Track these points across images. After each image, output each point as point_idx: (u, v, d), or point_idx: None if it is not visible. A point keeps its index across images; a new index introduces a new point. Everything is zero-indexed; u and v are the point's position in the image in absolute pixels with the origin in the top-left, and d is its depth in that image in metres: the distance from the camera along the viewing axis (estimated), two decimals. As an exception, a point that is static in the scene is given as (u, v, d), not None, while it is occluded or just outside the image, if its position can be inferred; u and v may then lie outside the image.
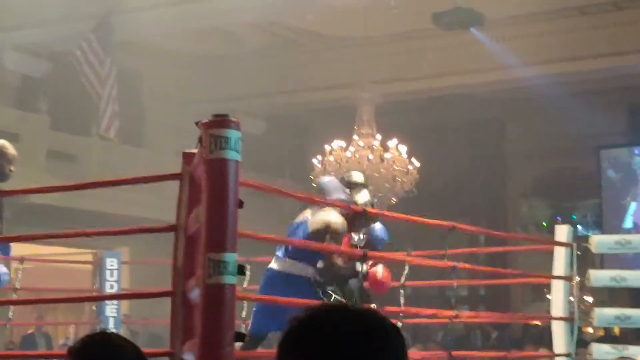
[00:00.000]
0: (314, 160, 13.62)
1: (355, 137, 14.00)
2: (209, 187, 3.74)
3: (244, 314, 7.75)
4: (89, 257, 12.80)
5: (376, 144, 13.64)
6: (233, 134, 3.78)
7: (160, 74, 15.92)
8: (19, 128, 13.17)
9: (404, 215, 6.21)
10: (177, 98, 16.33)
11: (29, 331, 12.29)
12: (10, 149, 6.20)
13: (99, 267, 9.96)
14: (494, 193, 18.20)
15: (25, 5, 13.28)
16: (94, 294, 9.73)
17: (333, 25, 14.73)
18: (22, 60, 14.51)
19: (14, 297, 8.09)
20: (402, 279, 6.41)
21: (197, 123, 3.90)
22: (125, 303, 11.77)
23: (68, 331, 13.00)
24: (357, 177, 6.53)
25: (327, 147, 13.56)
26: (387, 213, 6.31)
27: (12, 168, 6.07)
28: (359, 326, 1.23)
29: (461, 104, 16.45)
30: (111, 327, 9.39)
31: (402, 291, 6.48)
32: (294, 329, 1.24)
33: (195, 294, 3.81)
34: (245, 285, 7.61)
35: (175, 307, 4.07)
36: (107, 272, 9.64)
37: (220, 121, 3.80)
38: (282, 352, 1.25)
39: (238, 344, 3.78)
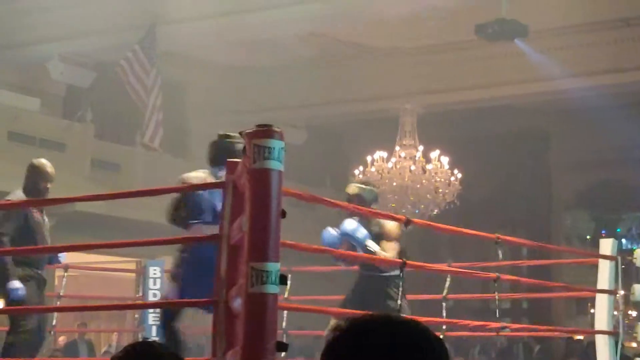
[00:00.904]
0: (356, 171, 13.63)
1: (397, 148, 13.99)
2: (252, 197, 3.76)
3: (284, 324, 7.78)
4: (133, 266, 12.92)
5: (418, 155, 13.61)
6: (277, 144, 3.80)
7: (204, 85, 16.04)
8: (65, 137, 13.35)
9: (449, 227, 6.17)
10: (220, 108, 16.43)
11: (72, 338, 12.42)
12: (48, 167, 6.53)
13: (142, 275, 10.03)
14: (536, 205, 18.06)
15: (72, 17, 13.47)
16: (137, 302, 9.80)
17: (377, 36, 14.74)
18: (68, 70, 14.72)
19: (58, 304, 8.18)
20: (444, 291, 6.38)
21: (241, 133, 3.93)
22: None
23: (110, 339, 13.11)
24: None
25: (368, 158, 13.56)
26: (431, 224, 6.26)
27: (49, 185, 6.43)
28: (401, 337, 1.23)
29: (504, 115, 16.36)
30: (153, 335, 9.44)
31: (444, 303, 6.45)
32: (336, 338, 1.25)
33: (237, 303, 3.83)
34: (286, 295, 7.63)
35: (218, 316, 4.10)
36: (150, 281, 9.70)
37: (264, 131, 3.82)
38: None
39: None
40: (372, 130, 15.90)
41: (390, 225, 6.27)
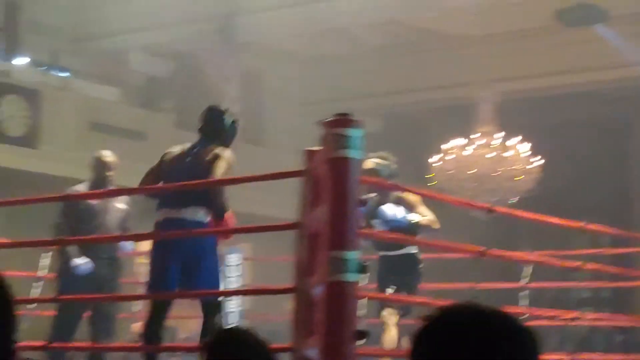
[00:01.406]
0: (432, 159, 13.56)
1: (474, 135, 13.87)
2: (332, 186, 3.79)
3: (364, 312, 7.81)
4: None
5: (496, 142, 13.48)
6: (355, 133, 3.82)
7: (280, 74, 16.13)
8: (145, 127, 13.57)
9: (531, 214, 6.10)
10: (296, 98, 16.51)
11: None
12: (108, 157, 6.87)
13: (222, 262, 10.16)
14: (617, 193, 17.71)
15: (151, 8, 13.68)
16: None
17: (452, 23, 14.62)
18: (147, 60, 14.96)
19: (138, 291, 8.35)
20: (524, 280, 6.33)
21: (320, 122, 3.96)
22: (246, 298, 11.96)
23: (191, 325, 13.30)
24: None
25: (445, 146, 13.48)
26: (512, 212, 6.21)
27: (109, 173, 6.77)
28: (491, 327, 1.24)
29: (584, 102, 16.07)
30: (233, 322, 9.58)
31: (523, 293, 6.40)
32: (425, 328, 1.26)
33: (317, 291, 3.87)
34: (365, 282, 7.66)
35: (297, 303, 4.14)
36: (229, 268, 9.84)
37: (343, 120, 3.84)
38: (414, 351, 1.27)
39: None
40: (449, 117, 15.79)
41: (410, 196, 6.40)
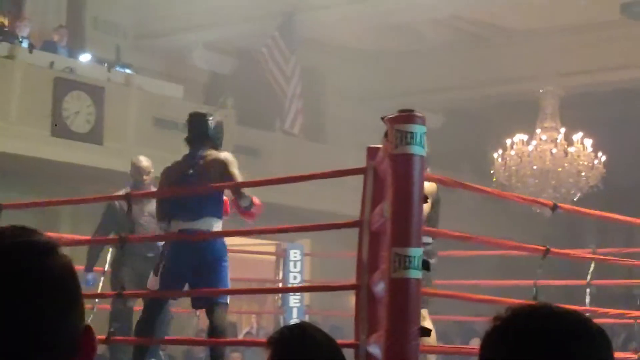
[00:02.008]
0: (495, 155, 13.44)
1: (537, 130, 13.70)
2: (395, 182, 3.77)
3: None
4: (272, 248, 13.13)
5: (560, 137, 13.30)
6: (418, 129, 3.79)
7: (342, 71, 16.12)
8: (207, 123, 13.65)
9: (597, 212, 6.00)
10: (358, 94, 16.48)
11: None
12: (143, 162, 7.36)
13: (282, 258, 10.20)
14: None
15: (214, 5, 13.78)
16: (278, 284, 9.98)
17: (516, 18, 14.46)
18: (210, 57, 15.07)
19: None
20: (588, 277, 6.24)
21: (382, 118, 3.94)
22: (307, 293, 12.00)
23: (252, 320, 13.38)
24: None
25: (508, 141, 13.34)
26: (578, 209, 6.12)
27: (145, 177, 7.25)
28: (562, 327, 1.22)
29: (649, 97, 15.78)
30: (294, 317, 9.61)
31: (587, 290, 6.31)
32: (496, 328, 1.24)
33: (379, 288, 3.86)
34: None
35: (360, 300, 4.13)
36: (291, 264, 9.87)
37: (406, 116, 3.82)
38: (485, 352, 1.25)
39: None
40: (511, 113, 15.62)
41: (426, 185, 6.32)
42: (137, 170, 7.29)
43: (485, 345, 1.25)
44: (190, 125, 6.01)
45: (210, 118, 6.01)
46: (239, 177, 5.70)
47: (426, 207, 6.30)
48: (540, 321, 1.22)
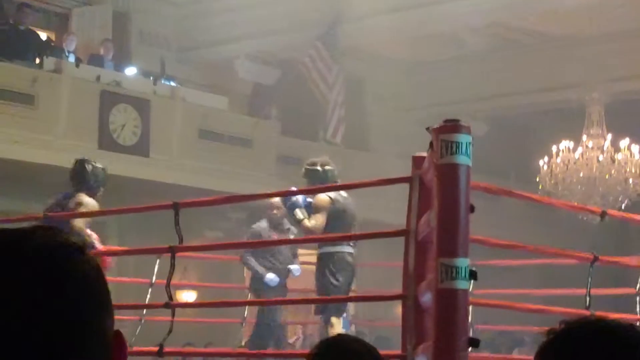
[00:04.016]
0: (540, 162, 13.33)
1: (583, 137, 13.57)
2: (441, 192, 3.77)
3: (470, 318, 7.72)
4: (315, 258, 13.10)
5: (606, 144, 13.16)
6: (464, 139, 3.79)
7: (383, 80, 16.13)
8: (252, 134, 13.73)
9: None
10: (399, 103, 16.47)
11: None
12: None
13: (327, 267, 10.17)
14: None
15: (256, 16, 13.87)
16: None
17: (557, 24, 14.35)
18: (253, 68, 15.16)
19: (249, 296, 8.46)
20: (638, 285, 6.16)
21: (428, 128, 3.94)
22: (352, 303, 11.98)
23: (297, 330, 13.39)
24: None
25: (553, 148, 13.23)
26: (627, 215, 6.05)
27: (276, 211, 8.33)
28: (618, 342, 1.21)
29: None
30: (341, 328, 9.59)
31: (638, 298, 6.23)
32: (550, 342, 1.24)
33: (426, 298, 3.85)
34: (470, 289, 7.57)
35: (407, 310, 4.13)
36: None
37: (452, 126, 3.82)
38: None
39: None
40: (556, 120, 15.50)
41: (320, 197, 6.98)
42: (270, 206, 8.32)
43: (540, 359, 1.24)
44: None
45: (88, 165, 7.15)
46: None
47: (321, 220, 6.94)
48: (595, 336, 1.21)
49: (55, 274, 0.97)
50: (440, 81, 16.01)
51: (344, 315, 8.60)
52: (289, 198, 7.09)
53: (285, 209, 7.34)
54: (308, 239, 7.38)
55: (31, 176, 11.36)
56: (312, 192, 6.60)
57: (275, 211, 8.29)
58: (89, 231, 6.97)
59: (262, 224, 8.36)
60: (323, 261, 7.17)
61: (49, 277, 0.96)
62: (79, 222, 6.81)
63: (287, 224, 8.31)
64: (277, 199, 8.04)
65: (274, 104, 14.49)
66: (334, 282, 7.03)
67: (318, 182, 7.08)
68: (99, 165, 7.23)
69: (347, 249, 7.16)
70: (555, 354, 1.22)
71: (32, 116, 11.43)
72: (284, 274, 8.49)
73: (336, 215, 7.01)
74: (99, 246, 6.99)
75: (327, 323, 7.12)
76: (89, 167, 7.09)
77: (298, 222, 7.08)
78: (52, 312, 0.95)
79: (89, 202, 6.83)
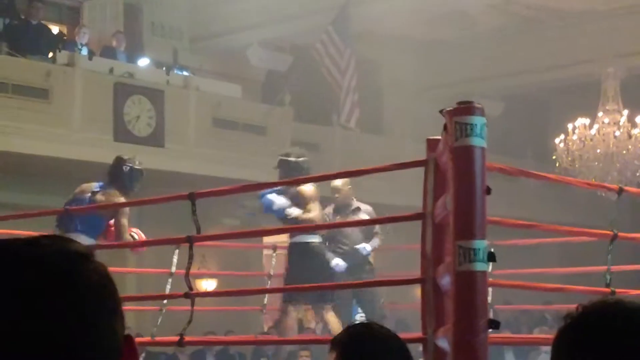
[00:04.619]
0: (556, 140, 13.28)
1: (599, 113, 13.49)
2: (456, 175, 3.76)
3: (489, 298, 7.70)
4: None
5: (623, 120, 13.08)
6: (478, 121, 3.77)
7: (397, 62, 16.07)
8: (266, 121, 13.73)
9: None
10: (414, 84, 16.41)
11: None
12: (333, 182, 8.19)
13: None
14: None
15: (267, 3, 13.84)
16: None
17: (572, 0, 14.25)
18: (266, 55, 15.13)
19: (269, 283, 8.47)
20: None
21: (441, 111, 3.92)
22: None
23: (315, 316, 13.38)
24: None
25: (569, 126, 13.17)
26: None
27: (337, 195, 8.31)
28: (635, 326, 1.20)
29: None
30: (360, 311, 9.60)
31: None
32: (569, 327, 1.23)
33: (445, 281, 3.84)
34: (489, 269, 7.55)
35: (426, 293, 4.12)
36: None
37: (465, 108, 3.80)
38: (557, 350, 1.24)
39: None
40: (572, 97, 15.41)
41: (306, 189, 7.15)
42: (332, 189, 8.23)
43: (558, 344, 1.23)
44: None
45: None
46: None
47: (317, 209, 7.20)
48: (614, 319, 1.20)
49: (59, 281, 0.97)
50: (454, 61, 15.94)
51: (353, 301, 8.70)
52: (265, 202, 7.26)
53: (269, 212, 7.41)
54: (320, 225, 7.39)
55: (48, 170, 11.41)
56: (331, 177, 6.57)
57: (336, 195, 8.20)
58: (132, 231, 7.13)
59: (328, 210, 8.29)
60: (292, 250, 7.38)
61: (52, 284, 0.97)
62: (124, 220, 6.95)
63: (354, 204, 8.20)
64: (337, 182, 8.03)
65: (287, 91, 14.47)
66: (303, 271, 7.20)
67: (292, 173, 7.27)
68: (137, 166, 7.25)
69: (315, 238, 7.46)
70: (573, 339, 1.21)
71: (47, 110, 11.47)
72: (358, 257, 8.28)
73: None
74: (143, 236, 7.24)
75: (285, 310, 7.38)
76: (125, 169, 7.17)
77: (295, 219, 7.18)
78: (56, 320, 0.96)
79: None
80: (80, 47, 12.45)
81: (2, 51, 11.65)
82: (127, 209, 6.97)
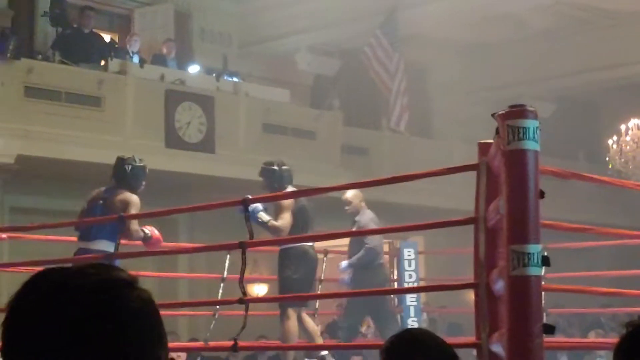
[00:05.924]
0: (609, 141, 13.13)
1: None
2: (509, 179, 3.74)
3: (542, 302, 7.64)
4: (385, 248, 13.10)
5: (676, 120, 12.89)
6: (531, 124, 3.75)
7: (446, 65, 16.01)
8: (315, 126, 13.76)
9: None
10: (463, 87, 16.34)
11: (332, 319, 12.78)
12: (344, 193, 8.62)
13: (396, 257, 10.18)
14: None
15: (315, 8, 13.89)
16: (394, 284, 9.97)
17: (623, 0, 14.09)
18: (314, 60, 15.18)
19: (319, 288, 8.49)
20: None
21: (493, 115, 3.91)
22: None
23: (368, 320, 13.39)
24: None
25: (622, 127, 13.02)
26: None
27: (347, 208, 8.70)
28: None
29: None
30: (412, 316, 9.59)
31: None
32: (629, 336, 1.22)
33: (499, 286, 3.82)
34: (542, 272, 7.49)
35: (479, 298, 4.10)
36: (405, 262, 9.85)
37: (518, 111, 3.78)
38: (617, 358, 1.23)
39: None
40: (624, 97, 15.22)
41: (284, 200, 7.21)
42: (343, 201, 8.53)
43: (618, 352, 1.23)
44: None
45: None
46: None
47: (288, 219, 7.20)
48: None
49: (103, 309, 1.02)
50: (503, 63, 15.84)
51: (415, 303, 8.68)
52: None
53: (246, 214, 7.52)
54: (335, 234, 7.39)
55: (101, 178, 11.55)
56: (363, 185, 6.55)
57: (346, 207, 8.54)
58: (144, 228, 7.14)
59: (369, 215, 8.57)
60: (283, 256, 7.45)
61: (97, 312, 1.02)
62: (134, 224, 6.96)
63: (357, 218, 8.56)
64: (348, 194, 8.25)
65: (336, 95, 14.49)
66: (294, 275, 7.34)
67: (274, 181, 7.43)
68: (139, 164, 7.30)
69: (309, 243, 7.55)
70: (632, 348, 1.21)
71: (99, 118, 11.61)
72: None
73: (298, 212, 7.36)
74: (157, 234, 7.22)
75: (284, 314, 7.41)
76: (128, 168, 7.22)
77: (264, 224, 7.24)
78: (101, 346, 1.00)
79: (135, 201, 6.98)
80: (131, 55, 12.60)
81: (55, 60, 11.83)
82: (136, 206, 6.95)
